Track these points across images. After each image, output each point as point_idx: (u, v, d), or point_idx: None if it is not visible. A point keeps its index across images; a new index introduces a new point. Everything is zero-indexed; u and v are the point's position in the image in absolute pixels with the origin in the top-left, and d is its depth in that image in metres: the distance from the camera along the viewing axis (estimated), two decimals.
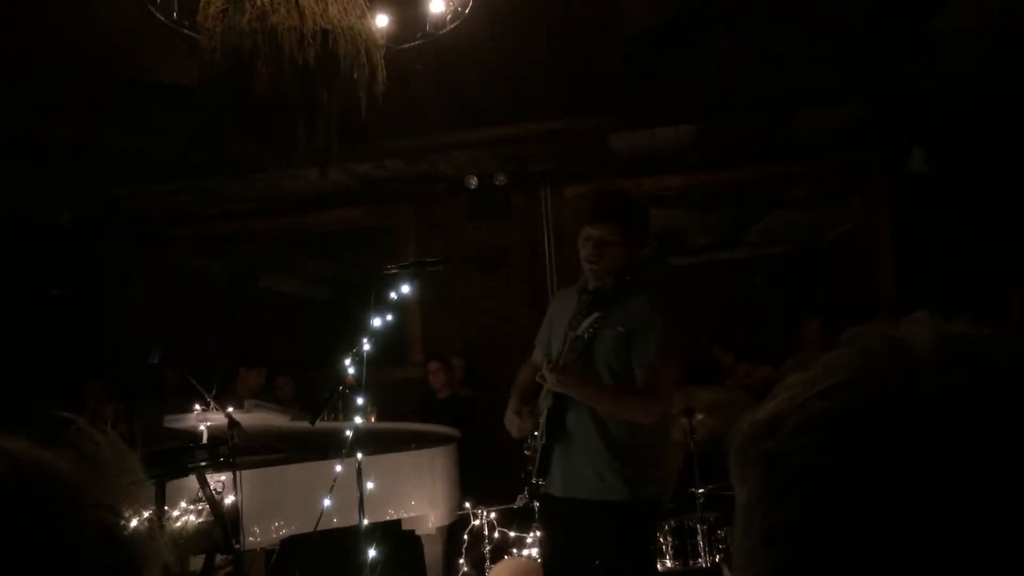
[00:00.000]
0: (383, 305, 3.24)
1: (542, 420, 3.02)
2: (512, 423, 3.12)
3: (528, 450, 3.17)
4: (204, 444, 4.02)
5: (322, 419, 3.95)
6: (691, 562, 3.90)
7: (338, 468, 3.47)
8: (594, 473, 2.91)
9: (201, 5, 3.17)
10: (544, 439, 2.99)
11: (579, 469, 2.94)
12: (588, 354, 2.93)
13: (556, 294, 3.27)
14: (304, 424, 4.17)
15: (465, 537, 4.59)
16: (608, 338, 2.89)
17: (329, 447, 4.02)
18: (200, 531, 3.77)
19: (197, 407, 4.14)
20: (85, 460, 0.63)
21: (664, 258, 10.09)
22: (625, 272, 2.97)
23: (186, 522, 3.75)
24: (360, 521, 3.32)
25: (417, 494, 4.45)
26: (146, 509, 0.65)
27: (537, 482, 3.08)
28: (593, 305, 2.93)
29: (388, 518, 4.33)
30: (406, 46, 3.53)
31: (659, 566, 3.92)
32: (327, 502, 3.57)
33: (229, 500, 3.87)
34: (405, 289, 3.25)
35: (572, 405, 2.94)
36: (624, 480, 2.88)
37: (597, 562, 2.90)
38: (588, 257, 2.96)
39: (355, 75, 3.18)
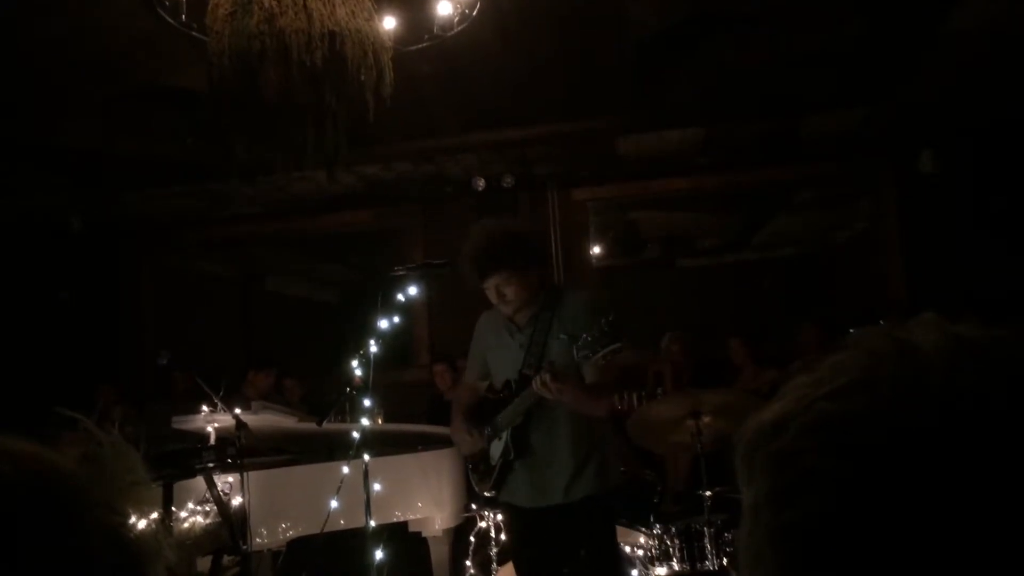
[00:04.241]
0: (390, 307, 3.24)
1: (505, 438, 3.18)
2: (465, 441, 3.32)
3: (472, 464, 3.40)
4: (212, 445, 4.02)
5: (329, 421, 3.95)
6: (698, 564, 3.89)
7: (345, 470, 3.47)
8: (563, 481, 3.12)
9: (209, 8, 3.19)
10: (511, 455, 3.16)
11: (548, 480, 3.14)
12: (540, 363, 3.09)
13: (482, 317, 3.41)
14: (311, 426, 4.17)
15: (472, 539, 4.58)
16: (558, 348, 3.04)
17: (336, 449, 4.01)
18: (207, 532, 3.77)
19: (205, 408, 4.15)
20: (89, 461, 0.63)
21: (671, 260, 10.09)
22: (542, 292, 3.18)
23: (193, 523, 3.75)
24: (367, 523, 3.32)
25: (424, 496, 4.44)
26: (151, 510, 0.65)
27: (491, 494, 3.33)
28: (536, 327, 3.14)
29: (395, 520, 4.33)
30: (413, 48, 3.53)
31: (666, 569, 3.92)
32: (334, 504, 3.57)
33: (236, 501, 3.87)
34: (412, 291, 3.26)
35: (535, 422, 3.13)
36: (593, 476, 3.11)
37: (582, 552, 3.10)
38: (498, 304, 3.18)
39: (363, 77, 3.19)
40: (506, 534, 3.61)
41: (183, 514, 3.76)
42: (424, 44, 3.52)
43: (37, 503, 0.59)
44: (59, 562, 0.58)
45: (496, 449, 3.24)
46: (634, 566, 3.97)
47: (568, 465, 3.10)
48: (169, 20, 3.32)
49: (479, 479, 3.37)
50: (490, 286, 3.12)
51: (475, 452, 3.32)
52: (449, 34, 3.49)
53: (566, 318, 3.07)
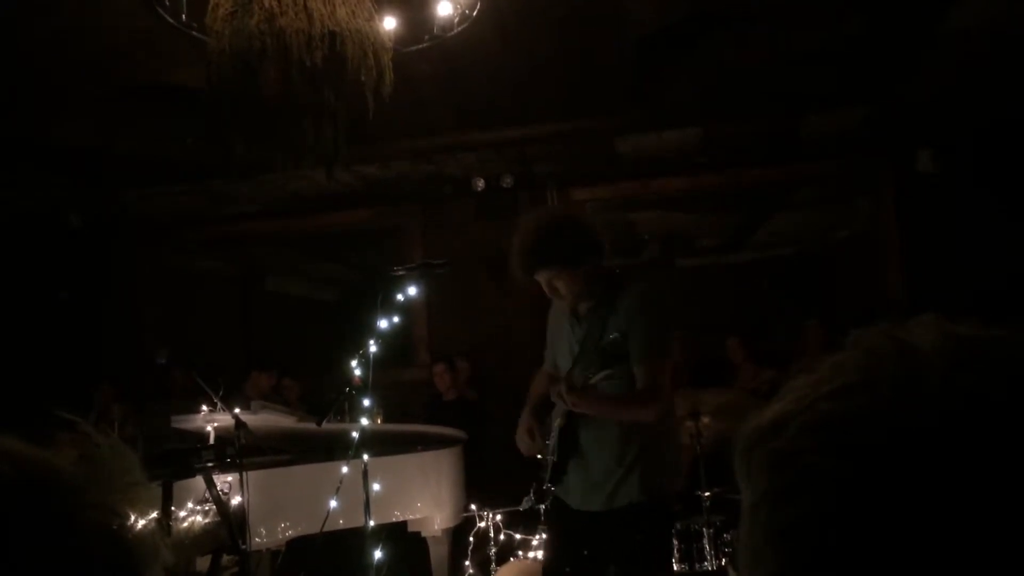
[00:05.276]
0: (390, 307, 3.24)
1: (554, 436, 3.08)
2: (523, 441, 3.19)
3: (541, 456, 3.22)
4: (211, 445, 4.02)
5: (329, 420, 3.95)
6: (697, 565, 3.89)
7: (344, 469, 3.47)
8: (608, 486, 2.99)
9: (209, 7, 3.18)
10: (556, 456, 3.06)
11: (594, 484, 3.02)
12: (598, 366, 2.98)
13: (554, 303, 3.27)
14: (311, 425, 4.17)
15: (471, 539, 4.59)
16: (609, 346, 2.95)
17: (335, 448, 4.02)
18: (206, 532, 3.77)
19: (204, 408, 4.15)
20: (87, 461, 0.63)
21: (670, 260, 10.09)
22: (600, 285, 3.03)
23: (192, 522, 3.75)
24: (366, 522, 3.32)
25: (423, 496, 4.45)
26: (148, 510, 0.65)
27: (548, 487, 3.14)
28: (591, 322, 3.03)
29: (394, 520, 4.33)
30: (413, 48, 3.53)
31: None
32: (333, 503, 3.57)
33: (236, 501, 3.87)
34: (412, 291, 3.26)
35: (583, 423, 3.02)
36: (638, 483, 2.96)
37: (612, 568, 2.99)
38: (552, 296, 3.08)
39: (362, 77, 3.19)
40: (547, 530, 3.53)
41: (182, 513, 3.76)
42: (424, 44, 3.51)
43: (35, 503, 0.59)
44: (56, 562, 0.58)
45: (551, 445, 3.16)
46: None
47: (613, 469, 2.98)
48: (169, 20, 3.32)
49: (543, 472, 3.23)
50: (541, 280, 3.03)
51: (532, 454, 3.18)
52: (449, 34, 3.48)
53: (620, 316, 2.96)
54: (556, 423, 3.07)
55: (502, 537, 4.48)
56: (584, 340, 3.03)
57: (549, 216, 3.13)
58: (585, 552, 3.05)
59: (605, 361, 2.92)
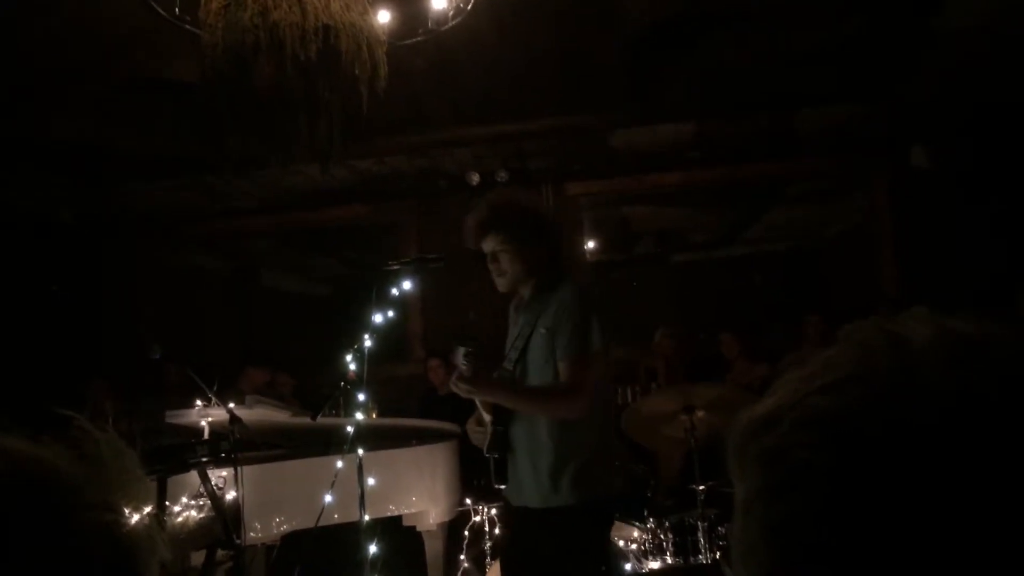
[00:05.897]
0: (384, 301, 3.24)
1: (489, 433, 3.06)
2: (471, 431, 3.18)
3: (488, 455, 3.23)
4: (205, 440, 4.01)
5: (323, 415, 3.95)
6: (691, 559, 3.90)
7: (339, 464, 3.47)
8: (539, 482, 2.94)
9: (203, 1, 3.17)
10: (491, 452, 3.03)
11: (526, 480, 2.99)
12: (524, 361, 3.00)
13: (512, 303, 3.30)
14: (305, 420, 4.17)
15: (466, 533, 4.59)
16: (537, 342, 2.96)
17: (330, 443, 4.01)
18: (201, 527, 3.76)
19: (198, 403, 4.14)
20: (84, 459, 0.63)
21: (664, 255, 10.10)
22: (539, 275, 3.05)
23: (187, 518, 3.74)
24: (361, 517, 3.32)
25: (418, 490, 4.45)
26: (145, 507, 0.65)
27: (498, 487, 3.14)
28: (525, 317, 3.05)
29: (389, 514, 4.33)
30: (408, 42, 3.52)
31: (659, 562, 3.93)
32: (328, 498, 3.57)
33: (230, 496, 3.86)
34: (406, 285, 3.25)
35: (512, 420, 3.00)
36: (569, 484, 2.90)
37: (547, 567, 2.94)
38: (492, 272, 3.09)
39: (357, 71, 3.18)
40: (503, 527, 3.53)
41: (177, 508, 3.75)
42: (419, 38, 3.51)
43: (32, 501, 0.58)
44: (56, 561, 0.58)
45: (487, 442, 3.13)
46: (627, 560, 3.98)
47: (544, 467, 2.92)
48: (162, 13, 3.31)
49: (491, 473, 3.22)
50: (487, 250, 3.06)
51: (482, 445, 3.13)
52: (444, 28, 3.48)
53: (550, 311, 2.96)
54: (487, 419, 3.03)
55: (497, 531, 4.48)
56: (518, 335, 3.05)
57: (514, 194, 3.17)
58: (528, 549, 3.01)
59: (462, 340, 2.96)
